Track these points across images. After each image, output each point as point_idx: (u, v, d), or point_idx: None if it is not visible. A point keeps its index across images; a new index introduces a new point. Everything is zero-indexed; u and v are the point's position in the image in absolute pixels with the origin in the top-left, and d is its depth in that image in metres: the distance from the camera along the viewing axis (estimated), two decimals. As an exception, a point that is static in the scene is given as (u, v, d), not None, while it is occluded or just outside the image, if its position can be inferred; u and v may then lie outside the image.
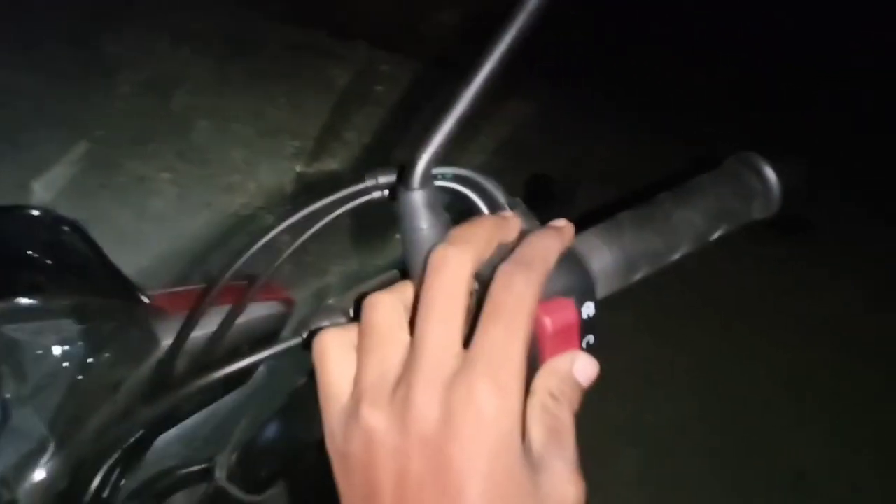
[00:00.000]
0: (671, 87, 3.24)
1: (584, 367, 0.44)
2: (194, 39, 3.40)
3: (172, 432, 0.60)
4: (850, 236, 2.67)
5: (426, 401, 0.36)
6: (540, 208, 0.52)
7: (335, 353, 0.41)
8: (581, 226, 0.52)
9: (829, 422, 2.09)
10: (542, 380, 0.42)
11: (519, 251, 0.43)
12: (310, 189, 2.69)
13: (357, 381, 0.39)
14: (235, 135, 2.91)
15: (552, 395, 0.41)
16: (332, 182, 2.62)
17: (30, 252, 0.56)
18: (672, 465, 1.96)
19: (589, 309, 0.46)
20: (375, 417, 0.37)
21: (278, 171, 2.75)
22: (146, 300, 0.61)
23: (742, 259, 2.49)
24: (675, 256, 0.54)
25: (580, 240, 0.50)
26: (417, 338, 0.39)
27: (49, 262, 0.57)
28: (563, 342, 0.45)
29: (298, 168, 2.77)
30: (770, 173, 0.56)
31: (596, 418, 2.03)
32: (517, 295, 0.39)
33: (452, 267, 0.40)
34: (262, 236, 0.51)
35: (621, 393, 2.11)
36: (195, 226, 2.47)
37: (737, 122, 3.02)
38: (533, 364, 0.44)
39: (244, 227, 2.47)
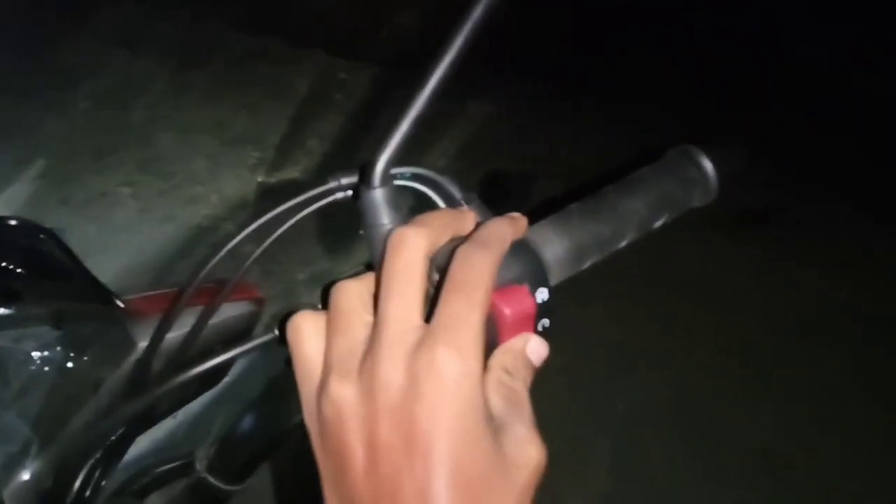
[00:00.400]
0: (638, 87, 3.30)
1: (536, 348, 0.47)
2: (152, 50, 3.39)
3: (153, 431, 0.62)
4: (816, 227, 2.74)
5: (391, 370, 0.39)
6: (498, 204, 0.55)
7: (308, 331, 0.44)
8: (534, 218, 0.55)
9: (796, 405, 2.16)
10: (498, 358, 0.45)
11: (476, 234, 0.46)
12: (273, 198, 2.70)
13: (326, 358, 0.42)
14: (196, 146, 2.91)
15: (507, 371, 0.45)
16: (295, 191, 2.62)
17: (6, 261, 0.57)
18: (642, 452, 2.01)
19: (543, 294, 0.50)
20: (345, 389, 0.40)
21: (241, 181, 2.75)
22: (122, 304, 0.63)
23: (711, 249, 2.57)
24: (622, 244, 0.58)
25: (533, 231, 0.53)
26: (380, 313, 0.42)
27: (26, 270, 0.58)
28: (518, 326, 0.48)
29: (261, 178, 2.78)
30: (707, 164, 0.60)
31: (567, 407, 2.09)
32: (475, 270, 0.43)
33: (409, 246, 0.43)
34: (230, 241, 0.54)
35: (592, 381, 2.16)
36: (159, 240, 2.46)
37: (702, 118, 3.09)
38: (491, 346, 0.47)
39: (207, 239, 2.47)
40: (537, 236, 0.53)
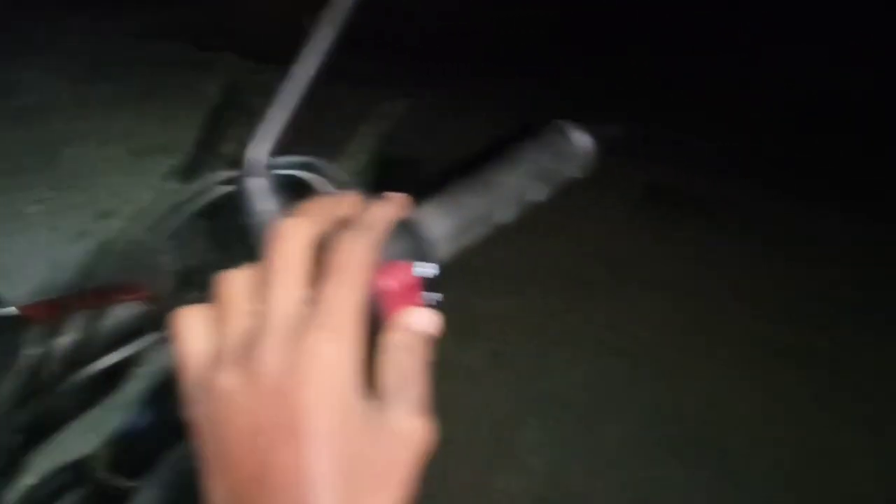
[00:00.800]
0: (548, 80, 3.36)
1: (422, 321, 0.48)
2: (59, 65, 3.29)
3: (54, 439, 0.61)
4: (752, 213, 2.84)
5: (273, 355, 0.40)
6: (392, 189, 0.57)
7: (189, 326, 0.44)
8: (420, 198, 0.57)
9: (710, 375, 2.24)
10: (388, 335, 0.47)
11: (356, 218, 0.48)
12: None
13: (213, 348, 0.43)
14: (108, 158, 2.84)
15: (396, 346, 0.46)
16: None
17: None
18: (571, 432, 2.06)
19: (427, 269, 0.52)
20: (229, 378, 0.41)
21: (155, 191, 2.70)
22: (14, 311, 0.62)
23: (643, 232, 2.64)
24: (506, 217, 0.60)
25: (418, 211, 0.55)
26: (263, 302, 0.43)
27: None
28: (402, 300, 0.50)
29: (175, 186, 2.73)
30: (579, 138, 0.63)
31: (500, 391, 2.12)
32: (352, 253, 0.44)
33: (290, 234, 0.44)
34: (121, 245, 0.54)
35: (520, 361, 2.20)
36: (70, 257, 2.40)
37: (616, 105, 3.16)
38: (379, 323, 0.49)
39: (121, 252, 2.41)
40: (422, 215, 0.55)
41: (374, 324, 0.48)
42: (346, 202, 0.50)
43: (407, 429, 0.42)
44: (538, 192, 0.62)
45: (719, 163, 2.93)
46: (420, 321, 0.49)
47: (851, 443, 2.00)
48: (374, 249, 0.46)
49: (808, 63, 3.38)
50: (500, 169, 0.61)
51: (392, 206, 0.50)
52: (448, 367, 2.19)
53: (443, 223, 0.56)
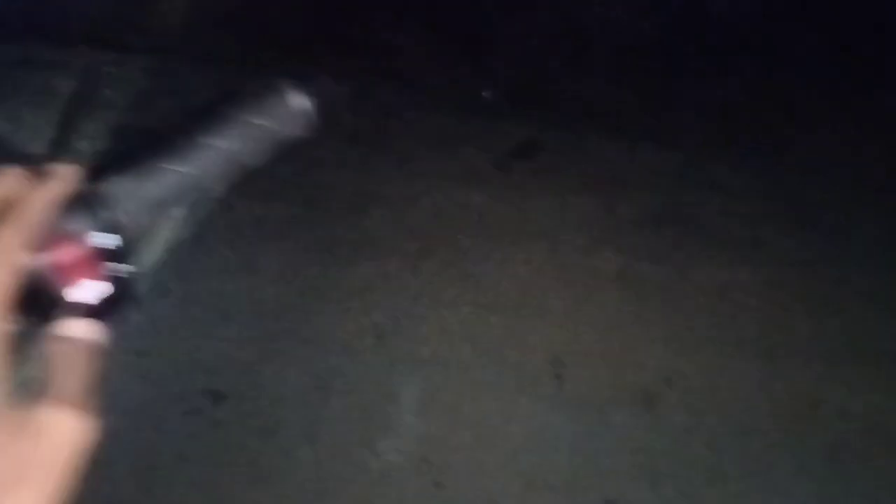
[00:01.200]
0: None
1: (81, 326, 0.48)
2: None
3: None
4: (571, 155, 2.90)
5: None
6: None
7: None
8: (118, 167, 0.57)
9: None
10: (50, 327, 0.47)
11: (17, 202, 0.47)
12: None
13: None
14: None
15: (56, 338, 0.46)
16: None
17: None
18: (449, 394, 2.10)
19: (108, 241, 0.52)
20: None
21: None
22: None
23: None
24: (217, 181, 0.61)
25: (108, 181, 0.55)
26: None
27: None
28: (79, 273, 0.50)
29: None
30: (295, 97, 0.64)
31: (377, 358, 2.14)
32: (3, 239, 0.44)
33: None
34: None
35: (396, 326, 2.23)
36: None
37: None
38: (52, 301, 0.49)
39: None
40: (108, 186, 0.55)
41: (46, 299, 0.48)
42: (5, 180, 0.49)
43: (56, 425, 0.41)
44: (251, 154, 0.63)
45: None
46: (76, 327, 0.48)
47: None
48: (25, 233, 0.45)
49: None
50: (205, 132, 0.61)
51: (54, 186, 0.49)
52: (325, 338, 2.20)
53: (132, 193, 0.56)
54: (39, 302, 0.49)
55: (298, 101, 0.64)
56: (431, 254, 2.52)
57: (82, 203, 0.51)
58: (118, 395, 1.89)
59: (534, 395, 2.09)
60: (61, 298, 0.49)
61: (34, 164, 0.53)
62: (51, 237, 0.49)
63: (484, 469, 1.90)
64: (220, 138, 0.60)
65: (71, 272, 0.50)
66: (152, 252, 2.16)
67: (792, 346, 2.20)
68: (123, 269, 0.53)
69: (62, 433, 0.41)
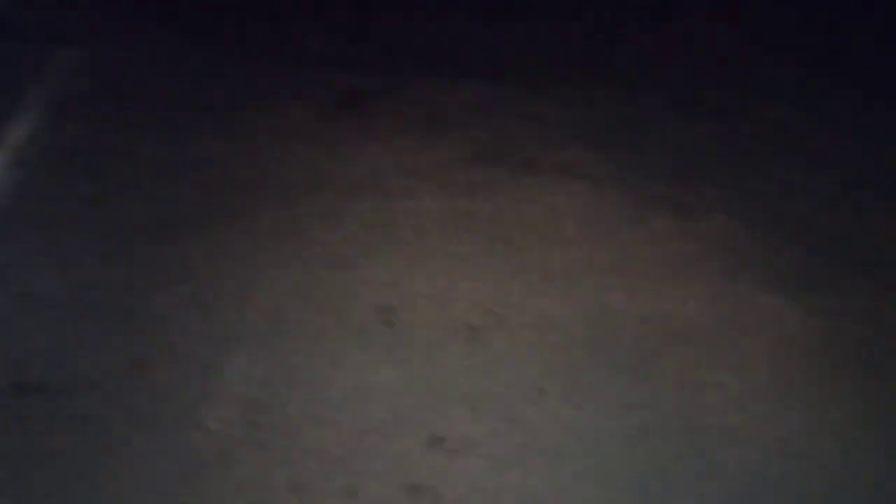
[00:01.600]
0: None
1: None
2: None
3: None
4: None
5: None
6: None
7: None
8: None
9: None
10: None
11: None
12: None
13: None
14: None
15: None
16: None
17: None
18: (280, 356, 2.05)
19: None
20: None
21: None
22: None
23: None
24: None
25: None
26: None
27: None
28: None
29: None
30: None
31: (202, 327, 2.07)
32: None
33: None
34: None
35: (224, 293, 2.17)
36: None
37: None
38: None
39: None
40: None
41: None
42: None
43: None
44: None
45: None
46: None
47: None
48: None
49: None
50: None
51: None
52: (141, 311, 2.12)
53: None
54: None
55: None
56: (259, 214, 2.46)
57: None
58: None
59: (364, 344, 2.06)
60: None
61: None
62: None
63: (312, 423, 1.86)
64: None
65: None
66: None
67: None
68: None
69: None
